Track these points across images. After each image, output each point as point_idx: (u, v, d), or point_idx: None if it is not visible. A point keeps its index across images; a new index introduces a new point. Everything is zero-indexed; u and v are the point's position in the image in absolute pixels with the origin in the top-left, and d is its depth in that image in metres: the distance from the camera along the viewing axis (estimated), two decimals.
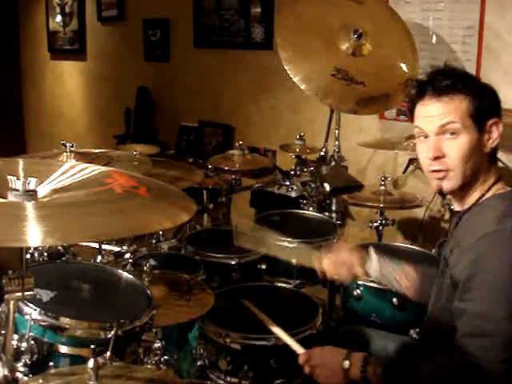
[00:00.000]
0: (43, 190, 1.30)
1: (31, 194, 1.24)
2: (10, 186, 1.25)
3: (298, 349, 1.90)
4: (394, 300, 2.30)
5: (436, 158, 1.60)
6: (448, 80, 1.60)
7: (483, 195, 1.63)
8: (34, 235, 1.08)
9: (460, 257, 1.58)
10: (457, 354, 1.51)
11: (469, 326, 1.50)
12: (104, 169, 1.46)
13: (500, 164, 2.45)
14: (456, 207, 1.74)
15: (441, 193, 1.68)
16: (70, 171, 1.42)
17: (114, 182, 1.32)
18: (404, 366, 1.65)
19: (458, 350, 1.51)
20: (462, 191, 1.65)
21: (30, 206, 1.19)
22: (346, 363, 1.66)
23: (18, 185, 1.24)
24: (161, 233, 2.80)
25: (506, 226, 1.52)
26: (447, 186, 1.63)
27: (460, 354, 1.50)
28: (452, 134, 1.58)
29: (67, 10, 6.32)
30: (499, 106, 1.63)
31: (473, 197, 1.65)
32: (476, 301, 1.50)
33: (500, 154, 1.70)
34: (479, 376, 1.46)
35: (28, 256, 2.15)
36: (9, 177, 1.26)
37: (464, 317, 1.52)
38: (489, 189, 1.63)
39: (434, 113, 1.61)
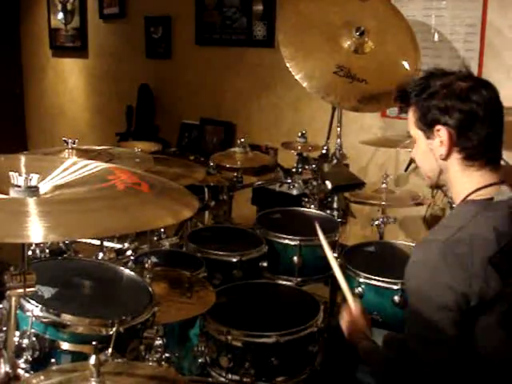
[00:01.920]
0: (45, 187, 1.30)
1: (33, 191, 1.24)
2: (12, 182, 1.25)
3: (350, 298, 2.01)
4: (396, 298, 2.30)
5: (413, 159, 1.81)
6: (406, 93, 1.72)
7: (463, 200, 1.63)
8: (35, 231, 1.08)
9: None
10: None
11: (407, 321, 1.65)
12: (106, 165, 1.46)
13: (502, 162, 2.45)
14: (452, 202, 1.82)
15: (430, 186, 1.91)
16: (72, 168, 1.41)
17: (115, 179, 1.32)
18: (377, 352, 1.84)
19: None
20: (446, 191, 1.76)
21: (31, 202, 1.19)
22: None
23: (20, 181, 1.24)
24: (162, 230, 2.79)
25: (438, 237, 1.56)
26: (426, 181, 1.79)
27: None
28: (414, 142, 1.75)
29: (69, 7, 6.32)
30: (447, 112, 1.61)
31: (459, 196, 1.67)
32: (409, 301, 1.63)
33: (503, 153, 1.69)
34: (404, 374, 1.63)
35: (30, 253, 2.15)
36: (11, 173, 1.26)
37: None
38: (468, 195, 1.62)
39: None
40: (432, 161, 1.68)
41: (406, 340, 1.61)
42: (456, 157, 1.62)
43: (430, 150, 1.66)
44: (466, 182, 1.63)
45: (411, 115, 1.70)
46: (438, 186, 1.79)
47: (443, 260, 1.50)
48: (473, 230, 1.53)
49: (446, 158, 1.64)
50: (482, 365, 1.55)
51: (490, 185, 1.62)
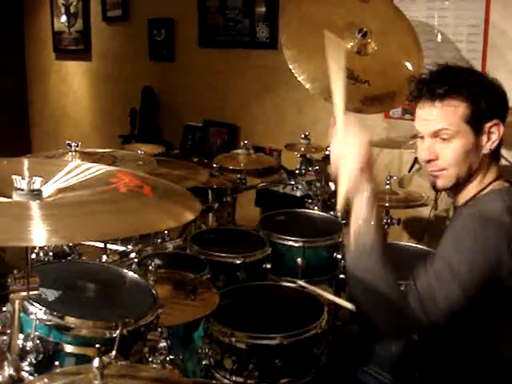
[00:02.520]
0: (48, 190, 1.30)
1: (36, 194, 1.24)
2: (15, 185, 1.25)
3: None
4: None
5: (429, 161, 1.65)
6: (443, 85, 1.60)
7: (481, 191, 1.63)
8: (38, 235, 1.08)
9: (445, 237, 1.62)
10: (412, 284, 1.52)
11: (430, 263, 1.53)
12: (109, 168, 1.46)
13: (504, 162, 2.46)
14: (454, 202, 1.76)
15: (434, 188, 1.71)
16: (75, 171, 1.42)
17: (118, 182, 1.32)
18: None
19: (414, 279, 1.53)
20: (456, 189, 1.68)
21: (34, 206, 1.19)
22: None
23: (23, 184, 1.24)
24: (166, 232, 2.79)
25: (495, 215, 1.53)
26: (440, 183, 1.67)
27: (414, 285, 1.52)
28: (444, 139, 1.61)
29: (72, 10, 6.33)
30: (502, 107, 1.62)
31: (469, 193, 1.66)
32: (444, 246, 1.55)
33: (504, 152, 1.71)
34: (413, 312, 1.48)
35: (33, 256, 2.15)
36: (14, 176, 1.26)
37: (431, 256, 1.56)
38: (487, 186, 1.63)
39: (428, 117, 1.63)
40: (474, 158, 1.61)
41: (416, 275, 1.52)
42: (492, 151, 1.63)
43: (476, 146, 1.60)
44: (488, 176, 1.65)
45: (454, 110, 1.58)
46: (453, 187, 1.68)
47: (501, 232, 1.50)
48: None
49: (489, 153, 1.62)
50: (504, 364, 1.54)
51: (500, 177, 1.66)
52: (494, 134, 1.60)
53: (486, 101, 1.59)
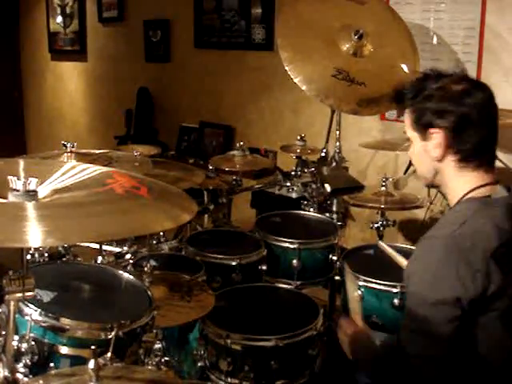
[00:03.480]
0: (44, 191, 1.29)
1: (32, 195, 1.24)
2: (11, 186, 1.25)
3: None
4: (395, 301, 2.30)
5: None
6: (402, 95, 1.73)
7: (460, 200, 1.64)
8: (34, 235, 1.08)
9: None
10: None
11: (403, 319, 1.65)
12: (105, 169, 1.46)
13: (500, 164, 2.46)
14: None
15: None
16: (71, 171, 1.41)
17: (114, 183, 1.32)
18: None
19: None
20: (440, 189, 1.77)
21: (30, 207, 1.19)
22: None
23: (19, 185, 1.24)
24: (161, 233, 2.79)
25: (441, 233, 1.57)
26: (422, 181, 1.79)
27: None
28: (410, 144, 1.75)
29: (68, 10, 6.33)
30: (443, 114, 1.62)
31: (453, 198, 1.68)
32: (407, 298, 1.63)
33: (501, 155, 1.70)
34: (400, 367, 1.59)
35: (29, 257, 2.15)
36: (9, 177, 1.26)
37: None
38: (465, 195, 1.63)
39: None
40: (427, 162, 1.69)
41: (401, 336, 1.61)
42: (451, 158, 1.64)
43: (426, 151, 1.67)
44: (462, 182, 1.65)
45: (407, 117, 1.72)
46: (433, 185, 1.78)
47: (448, 255, 1.51)
48: (474, 226, 1.54)
49: (442, 159, 1.65)
50: (481, 364, 1.55)
51: (486, 185, 1.64)
52: (435, 140, 1.63)
53: (429, 109, 1.64)
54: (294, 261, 2.67)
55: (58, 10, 6.45)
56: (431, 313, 1.51)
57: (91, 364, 1.23)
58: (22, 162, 1.43)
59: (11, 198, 1.24)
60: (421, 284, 1.56)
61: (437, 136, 1.62)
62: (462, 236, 1.52)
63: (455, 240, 1.52)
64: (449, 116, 1.61)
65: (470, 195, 1.63)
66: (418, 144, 1.70)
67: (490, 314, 1.52)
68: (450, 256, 1.51)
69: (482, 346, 1.53)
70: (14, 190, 1.24)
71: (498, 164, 2.06)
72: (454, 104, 1.61)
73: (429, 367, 1.53)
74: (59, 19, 6.47)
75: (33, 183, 1.25)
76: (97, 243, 2.32)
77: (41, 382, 1.36)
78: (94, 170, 1.43)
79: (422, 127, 1.66)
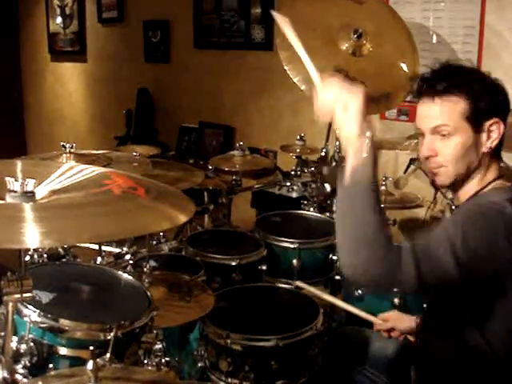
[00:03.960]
0: (41, 192, 1.29)
1: (29, 196, 1.24)
2: (8, 187, 1.24)
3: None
4: (396, 300, 2.30)
5: (428, 157, 1.65)
6: (443, 82, 1.61)
7: (481, 190, 1.62)
8: (31, 237, 1.08)
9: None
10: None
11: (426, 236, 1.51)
12: (102, 170, 1.46)
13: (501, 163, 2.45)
14: (455, 201, 1.76)
15: (434, 185, 1.72)
16: (69, 172, 1.41)
17: (112, 184, 1.31)
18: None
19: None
20: (457, 185, 1.67)
21: (27, 208, 1.19)
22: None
23: (16, 186, 1.23)
24: (161, 234, 2.79)
25: (495, 205, 1.52)
26: (439, 180, 1.67)
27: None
28: (443, 135, 1.61)
29: (67, 11, 6.32)
30: (503, 105, 1.62)
31: (470, 191, 1.65)
32: (443, 223, 1.55)
33: (502, 154, 1.70)
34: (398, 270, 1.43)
35: (28, 258, 2.15)
36: (7, 178, 1.25)
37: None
38: (488, 184, 1.62)
39: (428, 114, 1.64)
40: (473, 156, 1.61)
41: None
42: (493, 150, 1.63)
43: (476, 144, 1.60)
44: (489, 174, 1.64)
45: (454, 106, 1.58)
46: (456, 183, 1.67)
47: (504, 220, 1.48)
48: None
49: (490, 151, 1.61)
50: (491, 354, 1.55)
51: (502, 176, 1.65)
52: (493, 133, 1.60)
53: (486, 99, 1.59)
54: (294, 261, 2.67)
55: (58, 11, 6.45)
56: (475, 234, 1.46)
57: (89, 365, 1.22)
58: (19, 163, 1.43)
59: (9, 199, 1.23)
60: (465, 222, 1.49)
61: (498, 126, 1.59)
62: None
63: (507, 217, 1.50)
64: (503, 107, 1.61)
65: (492, 184, 1.62)
66: (467, 136, 1.59)
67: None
68: (500, 219, 1.48)
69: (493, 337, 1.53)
70: (12, 191, 1.24)
71: None
72: (503, 95, 1.62)
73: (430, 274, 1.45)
74: (59, 20, 6.47)
75: (30, 184, 1.24)
76: (96, 244, 2.31)
77: (40, 383, 1.36)
78: (91, 170, 1.43)
79: (482, 118, 1.58)
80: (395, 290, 1.45)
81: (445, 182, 1.66)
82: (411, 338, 1.99)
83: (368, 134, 1.49)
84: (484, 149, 1.61)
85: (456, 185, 1.67)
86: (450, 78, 1.61)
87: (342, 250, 1.48)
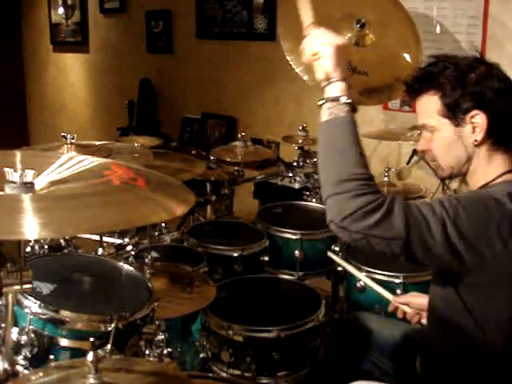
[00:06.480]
0: (41, 182, 1.28)
1: (28, 187, 1.23)
2: (7, 178, 1.24)
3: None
4: (398, 291, 2.30)
5: (423, 152, 1.71)
6: (416, 84, 1.67)
7: (489, 183, 1.61)
8: (30, 228, 1.07)
9: None
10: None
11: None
12: (102, 160, 1.45)
13: None
14: None
15: (438, 177, 1.75)
16: (68, 163, 1.40)
17: (112, 174, 1.31)
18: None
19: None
20: (462, 178, 1.69)
21: (27, 199, 1.18)
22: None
23: (15, 177, 1.23)
24: (163, 225, 2.79)
25: (496, 191, 1.53)
26: (439, 174, 1.71)
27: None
28: (429, 131, 1.66)
29: (69, 1, 6.30)
30: (482, 97, 1.59)
31: (477, 183, 1.64)
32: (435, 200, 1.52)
33: None
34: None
35: (29, 249, 2.14)
36: (6, 169, 1.25)
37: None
38: (496, 178, 1.60)
39: (417, 112, 1.70)
40: (460, 149, 1.62)
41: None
42: (486, 142, 1.60)
43: (460, 137, 1.60)
44: (493, 166, 1.62)
45: (430, 104, 1.62)
46: (453, 176, 1.70)
47: (503, 212, 1.48)
48: None
49: (480, 144, 1.60)
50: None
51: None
52: (477, 124, 1.58)
53: (458, 93, 1.58)
54: (296, 252, 2.67)
55: (60, 1, 6.42)
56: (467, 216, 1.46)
57: (90, 356, 1.22)
58: (18, 154, 1.42)
59: (8, 190, 1.22)
60: (462, 200, 1.50)
61: (479, 118, 1.57)
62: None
63: (503, 199, 1.51)
64: (488, 96, 1.58)
65: (501, 179, 1.60)
66: (448, 131, 1.61)
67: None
68: (497, 208, 1.49)
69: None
70: (11, 182, 1.23)
71: None
72: (490, 84, 1.59)
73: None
74: (61, 10, 6.44)
75: (29, 175, 1.24)
76: (96, 235, 2.31)
77: (40, 374, 1.35)
78: (91, 161, 1.42)
79: (459, 112, 1.59)
80: (381, 246, 1.44)
81: (443, 174, 1.70)
82: (424, 321, 1.98)
83: (337, 81, 1.65)
84: (471, 141, 1.60)
85: (459, 177, 1.68)
86: (423, 79, 1.66)
87: (325, 189, 1.55)
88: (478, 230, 1.47)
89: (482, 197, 1.54)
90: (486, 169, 1.62)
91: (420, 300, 2.00)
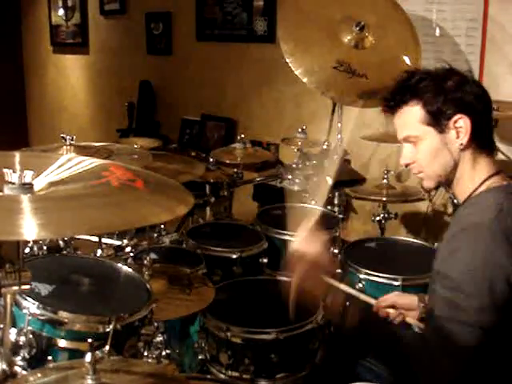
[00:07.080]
0: (40, 183, 1.28)
1: (27, 187, 1.23)
2: (6, 179, 1.24)
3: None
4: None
5: (407, 165, 1.72)
6: (395, 97, 1.70)
7: (476, 189, 1.62)
8: (29, 228, 1.07)
9: (441, 248, 1.64)
10: (428, 334, 1.58)
11: (443, 311, 1.53)
12: (101, 162, 1.45)
13: (502, 156, 2.44)
14: (456, 201, 1.76)
15: (423, 189, 1.83)
16: (67, 164, 1.40)
17: (110, 175, 1.31)
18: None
19: (431, 330, 1.57)
20: (448, 186, 1.71)
21: (25, 199, 1.18)
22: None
23: (14, 178, 1.23)
24: (162, 226, 2.79)
25: (484, 221, 1.52)
26: (424, 184, 1.73)
27: (431, 335, 1.56)
28: (413, 142, 1.68)
29: (69, 3, 6.31)
30: (463, 101, 1.61)
31: (465, 191, 1.66)
32: (449, 289, 1.52)
33: (502, 147, 1.70)
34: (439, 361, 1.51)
35: (27, 250, 2.14)
36: (5, 170, 1.25)
37: (439, 301, 1.55)
38: (482, 183, 1.62)
39: (397, 127, 1.73)
40: (446, 156, 1.64)
41: (434, 327, 1.55)
42: (472, 146, 1.62)
43: (445, 144, 1.62)
44: (478, 170, 1.64)
45: (411, 115, 1.65)
46: (442, 185, 1.71)
47: (494, 238, 1.48)
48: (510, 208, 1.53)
49: (465, 148, 1.62)
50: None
51: (499, 172, 1.64)
52: (461, 129, 1.60)
53: (440, 99, 1.61)
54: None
55: (60, 3, 6.43)
56: (482, 300, 1.47)
57: (88, 357, 1.22)
58: (17, 155, 1.42)
59: (7, 190, 1.23)
60: (473, 271, 1.49)
61: (462, 122, 1.59)
62: (504, 216, 1.51)
63: (498, 222, 1.50)
64: (469, 101, 1.60)
65: (487, 183, 1.62)
66: (433, 139, 1.63)
67: None
68: (496, 239, 1.48)
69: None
70: (10, 182, 1.23)
71: (499, 156, 2.05)
72: (468, 89, 1.61)
73: (456, 362, 1.52)
74: (61, 12, 6.45)
75: (28, 176, 1.24)
76: (95, 236, 2.31)
77: (39, 375, 1.35)
78: (90, 162, 1.42)
79: (442, 119, 1.61)
80: None
81: (429, 185, 1.72)
82: (410, 320, 1.97)
83: None
84: (456, 146, 1.62)
85: (446, 186, 1.72)
86: (402, 91, 1.68)
87: None
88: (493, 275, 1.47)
89: (475, 241, 1.52)
90: (472, 173, 1.64)
91: (406, 299, 2.00)
